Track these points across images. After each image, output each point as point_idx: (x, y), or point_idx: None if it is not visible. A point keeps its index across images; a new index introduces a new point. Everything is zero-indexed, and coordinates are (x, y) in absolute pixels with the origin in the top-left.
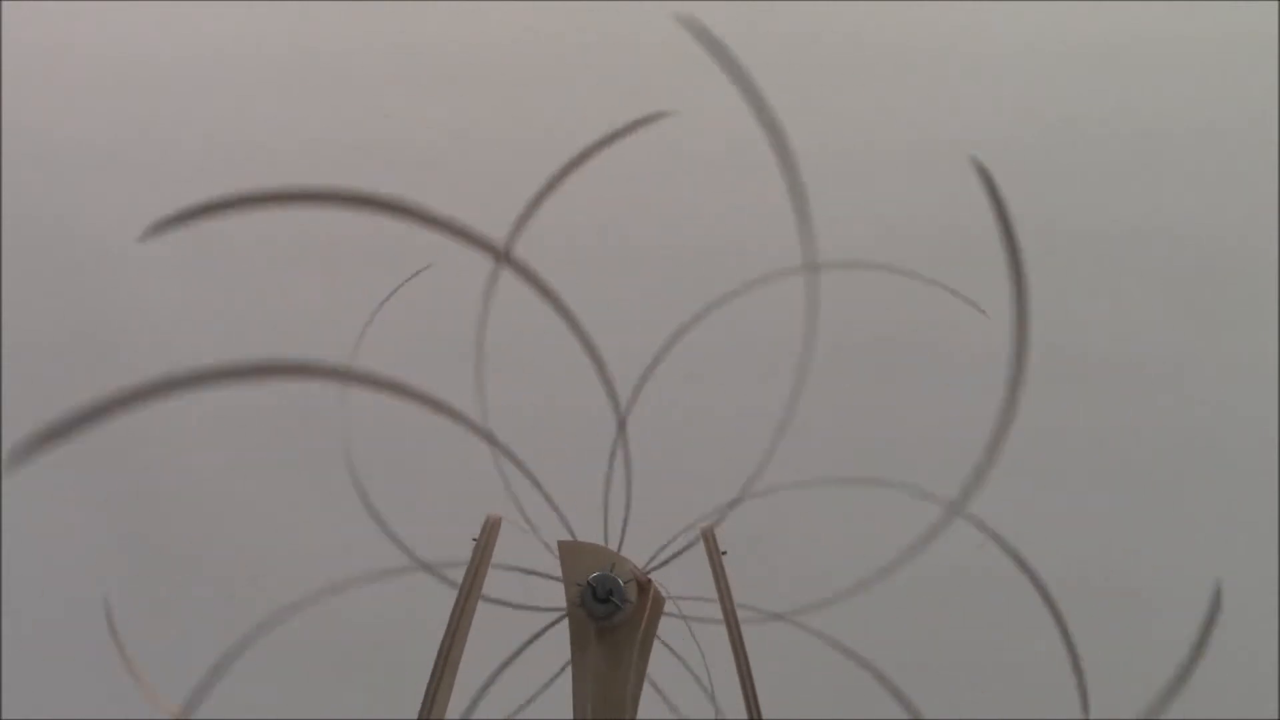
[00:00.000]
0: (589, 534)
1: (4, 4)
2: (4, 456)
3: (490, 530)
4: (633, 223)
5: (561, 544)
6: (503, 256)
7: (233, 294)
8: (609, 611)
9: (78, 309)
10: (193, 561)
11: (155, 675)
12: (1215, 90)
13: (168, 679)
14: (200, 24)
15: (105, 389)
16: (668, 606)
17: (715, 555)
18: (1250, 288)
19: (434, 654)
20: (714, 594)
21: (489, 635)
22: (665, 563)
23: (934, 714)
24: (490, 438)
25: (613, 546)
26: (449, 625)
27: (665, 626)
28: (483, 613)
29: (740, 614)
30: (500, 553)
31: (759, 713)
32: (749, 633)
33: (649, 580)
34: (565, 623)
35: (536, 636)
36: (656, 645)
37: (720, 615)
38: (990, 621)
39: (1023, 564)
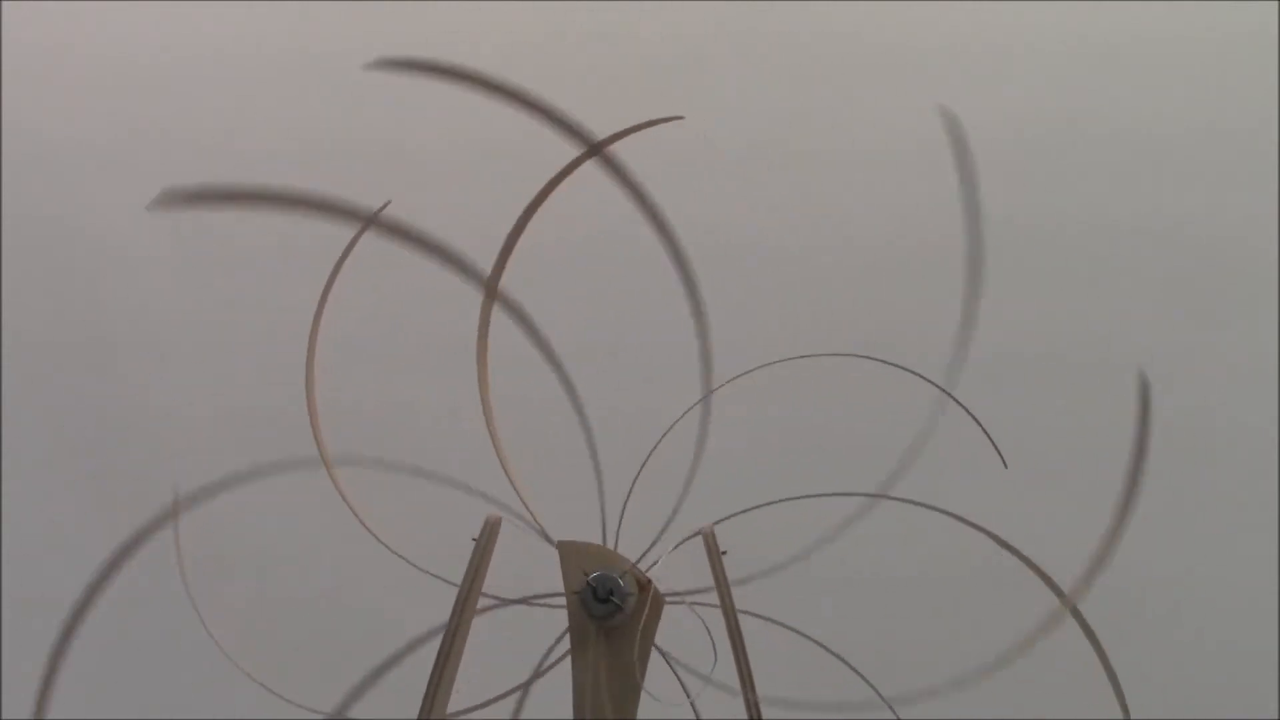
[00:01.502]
0: (588, 534)
1: (4, 4)
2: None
3: (490, 530)
4: (632, 226)
5: (561, 544)
6: (493, 291)
7: (232, 293)
8: (609, 611)
9: (78, 309)
10: (195, 561)
11: (155, 674)
12: (1215, 90)
13: (167, 678)
14: (200, 24)
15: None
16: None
17: (715, 555)
18: (1250, 288)
19: (434, 654)
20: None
21: (489, 635)
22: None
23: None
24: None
25: (612, 546)
26: (449, 625)
27: (666, 627)
28: (482, 612)
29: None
30: (500, 553)
31: (759, 713)
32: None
33: (649, 580)
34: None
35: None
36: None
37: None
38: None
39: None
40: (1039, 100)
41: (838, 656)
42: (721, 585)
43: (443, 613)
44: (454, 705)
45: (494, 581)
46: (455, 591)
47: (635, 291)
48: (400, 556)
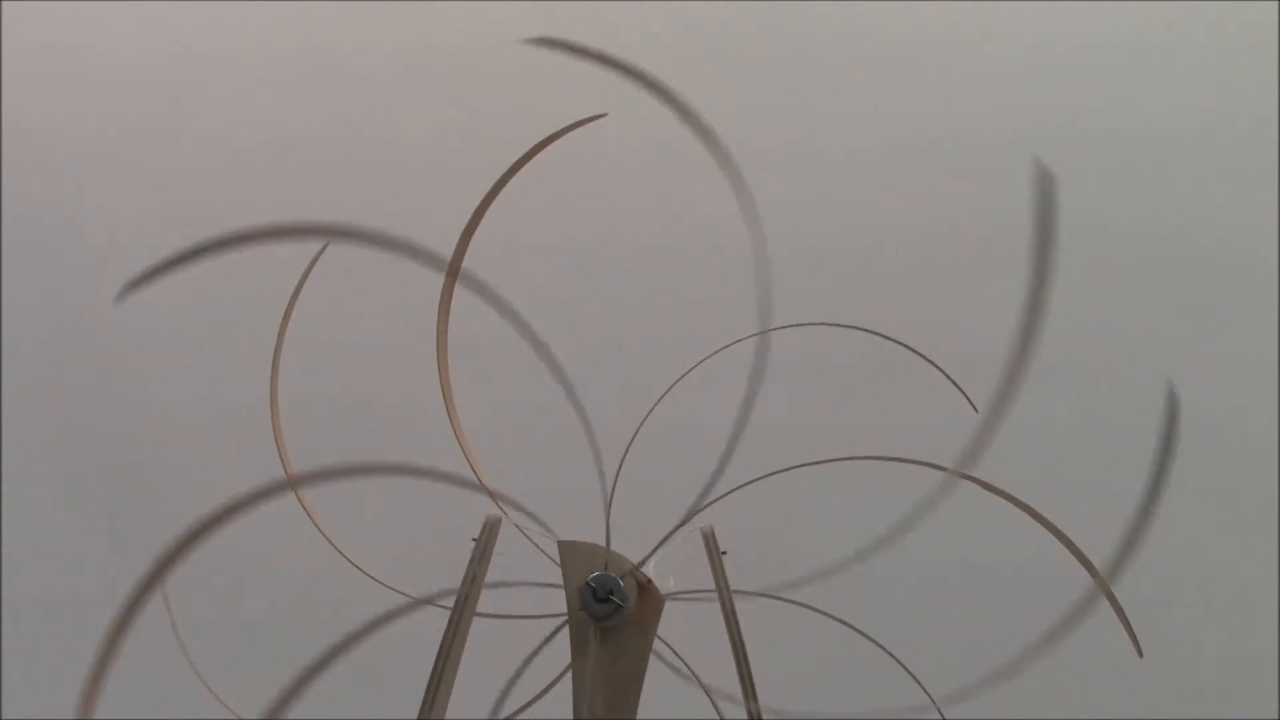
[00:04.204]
0: (587, 534)
1: (4, 4)
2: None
3: (490, 530)
4: (617, 224)
5: (561, 544)
6: (454, 273)
7: (232, 293)
8: (609, 611)
9: (78, 309)
10: (194, 561)
11: (156, 673)
12: (1215, 90)
13: (169, 678)
14: (199, 24)
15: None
16: (675, 602)
17: (715, 555)
18: (1250, 288)
19: (434, 654)
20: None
21: (489, 635)
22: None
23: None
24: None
25: (612, 547)
26: (449, 625)
27: (665, 627)
28: (482, 611)
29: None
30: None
31: (758, 712)
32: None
33: (649, 580)
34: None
35: (546, 641)
36: (657, 644)
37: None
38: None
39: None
40: (1039, 100)
41: (874, 641)
42: (721, 584)
43: (436, 617)
44: (454, 708)
45: (491, 581)
46: (436, 594)
47: (628, 289)
48: (371, 576)
